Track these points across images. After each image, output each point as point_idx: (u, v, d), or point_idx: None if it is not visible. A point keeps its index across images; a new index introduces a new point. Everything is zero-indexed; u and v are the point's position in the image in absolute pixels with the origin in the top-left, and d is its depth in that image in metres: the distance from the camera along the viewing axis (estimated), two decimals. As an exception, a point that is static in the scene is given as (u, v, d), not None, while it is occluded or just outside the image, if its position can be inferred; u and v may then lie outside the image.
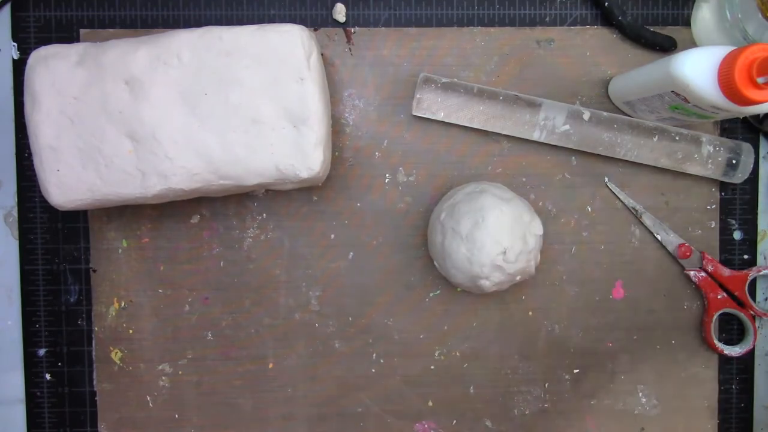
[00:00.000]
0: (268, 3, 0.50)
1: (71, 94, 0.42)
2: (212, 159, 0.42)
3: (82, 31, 0.49)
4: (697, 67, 0.39)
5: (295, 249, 0.50)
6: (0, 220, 0.50)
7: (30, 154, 0.43)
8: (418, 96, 0.48)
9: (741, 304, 0.50)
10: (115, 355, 0.50)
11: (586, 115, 0.48)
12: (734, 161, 0.48)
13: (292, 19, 0.50)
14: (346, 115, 0.50)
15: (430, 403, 0.51)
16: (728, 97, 0.38)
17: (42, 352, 0.50)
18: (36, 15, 0.49)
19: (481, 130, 0.49)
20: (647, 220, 0.50)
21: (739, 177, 0.49)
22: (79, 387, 0.50)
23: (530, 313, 0.51)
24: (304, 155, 0.43)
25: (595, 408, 0.51)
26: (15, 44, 0.49)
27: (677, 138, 0.48)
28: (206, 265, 0.50)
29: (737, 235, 0.51)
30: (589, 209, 0.51)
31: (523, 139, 0.49)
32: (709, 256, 0.50)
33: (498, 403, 0.51)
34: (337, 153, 0.50)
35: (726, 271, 0.50)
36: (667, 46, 0.49)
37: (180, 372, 0.50)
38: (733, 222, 0.51)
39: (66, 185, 0.42)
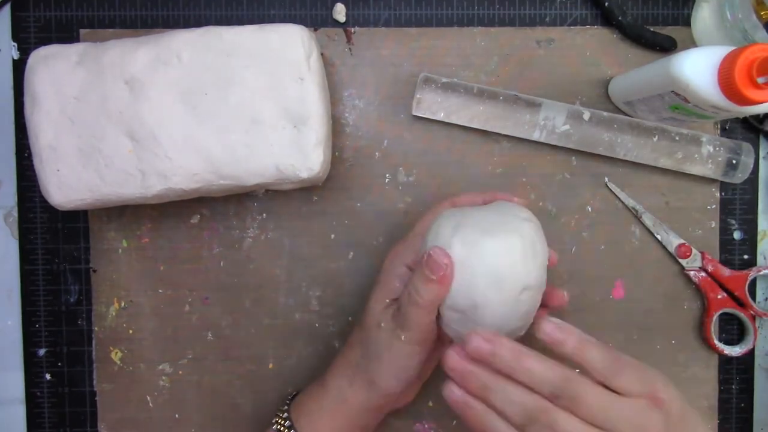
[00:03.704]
0: (268, 3, 0.50)
1: (71, 94, 0.42)
2: (212, 159, 0.42)
3: (82, 31, 0.49)
4: (697, 67, 0.39)
5: (295, 249, 0.50)
6: (0, 220, 0.50)
7: (30, 154, 0.43)
8: (418, 96, 0.48)
9: (741, 304, 0.50)
10: (115, 355, 0.50)
11: (586, 115, 0.48)
12: (734, 161, 0.48)
13: (292, 19, 0.50)
14: (346, 115, 0.50)
15: (430, 403, 0.51)
16: (728, 97, 0.38)
17: (42, 352, 0.50)
18: (36, 15, 0.49)
19: (481, 130, 0.49)
20: (647, 220, 0.50)
21: (739, 177, 0.49)
22: (79, 387, 0.50)
23: (530, 313, 0.51)
24: (304, 155, 0.43)
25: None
26: (15, 44, 0.49)
27: (677, 138, 0.48)
28: (206, 265, 0.50)
29: (737, 235, 0.51)
30: (589, 209, 0.51)
31: (523, 139, 0.49)
32: (709, 256, 0.50)
33: (498, 403, 0.51)
34: (337, 153, 0.50)
35: (726, 271, 0.50)
36: (667, 46, 0.49)
37: (180, 372, 0.50)
38: (733, 222, 0.51)
39: (66, 185, 0.42)
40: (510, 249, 0.36)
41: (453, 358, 0.35)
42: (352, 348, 0.42)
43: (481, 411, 0.34)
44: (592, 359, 0.34)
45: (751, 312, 0.50)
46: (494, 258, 0.36)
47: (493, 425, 0.33)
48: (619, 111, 0.50)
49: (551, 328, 0.35)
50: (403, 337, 0.39)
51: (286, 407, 0.43)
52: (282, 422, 0.42)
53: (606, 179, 0.50)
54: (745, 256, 0.51)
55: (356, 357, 0.42)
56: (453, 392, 0.35)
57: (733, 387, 0.51)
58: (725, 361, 0.51)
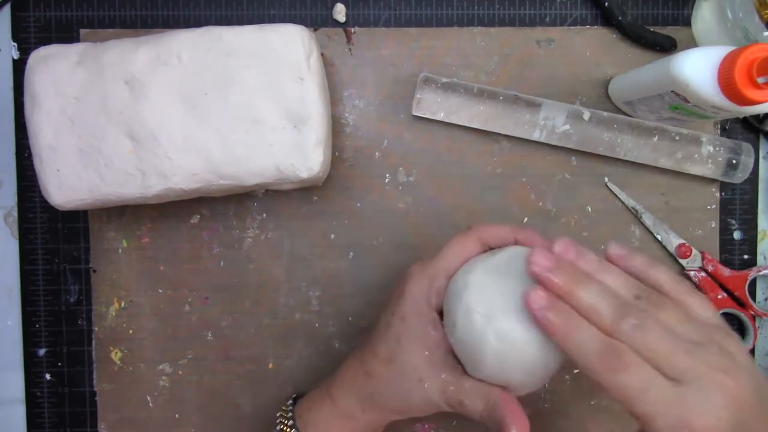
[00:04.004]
0: (268, 3, 0.50)
1: (71, 94, 0.42)
2: (212, 159, 0.42)
3: (82, 31, 0.49)
4: (697, 67, 0.39)
5: (295, 249, 0.50)
6: (0, 220, 0.50)
7: (30, 154, 0.43)
8: (418, 96, 0.48)
9: (741, 304, 0.50)
10: (115, 355, 0.50)
11: (586, 115, 0.48)
12: (734, 161, 0.48)
13: (292, 19, 0.50)
14: (346, 115, 0.50)
15: (430, 403, 0.51)
16: (728, 97, 0.38)
17: (42, 352, 0.50)
18: (36, 15, 0.49)
19: (481, 130, 0.49)
20: (647, 220, 0.50)
21: (739, 177, 0.49)
22: (79, 387, 0.50)
23: (530, 313, 0.51)
24: (304, 155, 0.43)
25: (595, 408, 0.51)
26: (15, 44, 0.49)
27: (677, 138, 0.48)
28: (206, 265, 0.50)
29: (737, 235, 0.51)
30: (589, 209, 0.51)
31: (523, 139, 0.49)
32: (709, 256, 0.50)
33: (498, 403, 0.51)
34: (337, 153, 0.50)
35: (726, 271, 0.50)
36: (667, 46, 0.49)
37: (180, 372, 0.50)
38: (733, 222, 0.51)
39: (66, 185, 0.42)
40: (544, 339, 0.34)
41: (541, 255, 0.33)
42: (369, 377, 0.40)
43: (566, 315, 0.31)
44: (662, 280, 0.34)
45: (751, 312, 0.50)
46: (528, 353, 0.34)
47: (580, 330, 0.31)
48: (619, 111, 0.50)
49: (639, 262, 0.35)
50: (448, 409, 0.39)
51: (290, 413, 0.42)
52: (288, 430, 0.41)
53: (606, 179, 0.50)
54: (745, 256, 0.51)
55: (374, 389, 0.40)
56: (538, 295, 0.32)
57: (733, 387, 0.51)
58: (725, 361, 0.51)
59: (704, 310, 0.33)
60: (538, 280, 0.33)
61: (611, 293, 0.32)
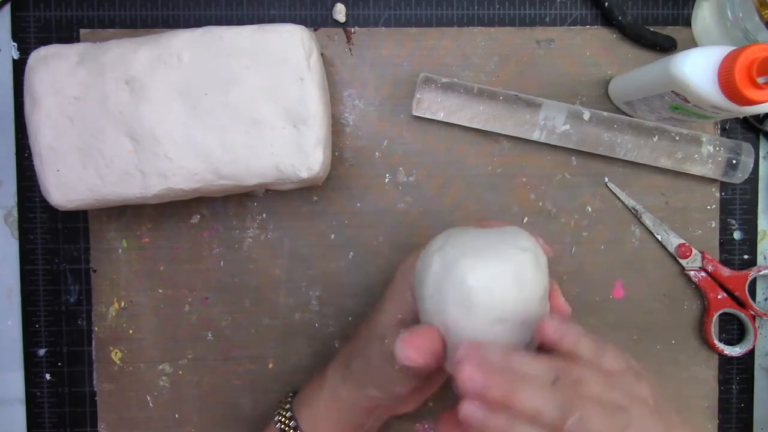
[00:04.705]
0: (268, 3, 0.50)
1: (71, 94, 0.42)
2: (212, 159, 0.42)
3: (82, 31, 0.49)
4: (697, 67, 0.39)
5: (295, 249, 0.50)
6: (0, 220, 0.50)
7: (30, 154, 0.43)
8: (418, 96, 0.48)
9: (741, 304, 0.50)
10: (115, 355, 0.50)
11: (586, 115, 0.48)
12: (734, 161, 0.48)
13: (292, 19, 0.50)
14: (346, 115, 0.50)
15: (430, 404, 0.51)
16: (728, 97, 0.38)
17: (42, 352, 0.50)
18: (36, 15, 0.49)
19: (481, 130, 0.49)
20: (647, 220, 0.50)
21: (739, 177, 0.49)
22: (79, 387, 0.50)
23: (530, 313, 0.51)
24: (304, 155, 0.43)
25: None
26: (15, 44, 0.49)
27: (677, 138, 0.48)
28: (206, 265, 0.50)
29: (737, 235, 0.51)
30: (589, 209, 0.51)
31: (523, 139, 0.49)
32: (709, 256, 0.50)
33: (498, 403, 0.51)
34: (337, 153, 0.50)
35: (726, 271, 0.50)
36: (667, 46, 0.49)
37: (180, 372, 0.50)
38: (733, 222, 0.51)
39: (66, 185, 0.42)
40: (485, 275, 0.33)
41: (472, 369, 0.31)
42: (354, 346, 0.42)
43: (506, 421, 0.31)
44: (584, 350, 0.34)
45: (751, 312, 0.50)
46: (465, 281, 0.33)
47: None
48: (619, 111, 0.50)
49: (552, 330, 0.34)
50: (396, 367, 0.38)
51: (289, 399, 0.44)
52: (284, 413, 0.43)
53: (606, 179, 0.50)
54: (745, 256, 0.51)
55: (353, 356, 0.42)
56: (476, 414, 0.31)
57: (733, 387, 0.51)
58: (725, 361, 0.51)
59: (617, 361, 0.34)
60: (470, 395, 0.32)
61: (542, 394, 0.31)
